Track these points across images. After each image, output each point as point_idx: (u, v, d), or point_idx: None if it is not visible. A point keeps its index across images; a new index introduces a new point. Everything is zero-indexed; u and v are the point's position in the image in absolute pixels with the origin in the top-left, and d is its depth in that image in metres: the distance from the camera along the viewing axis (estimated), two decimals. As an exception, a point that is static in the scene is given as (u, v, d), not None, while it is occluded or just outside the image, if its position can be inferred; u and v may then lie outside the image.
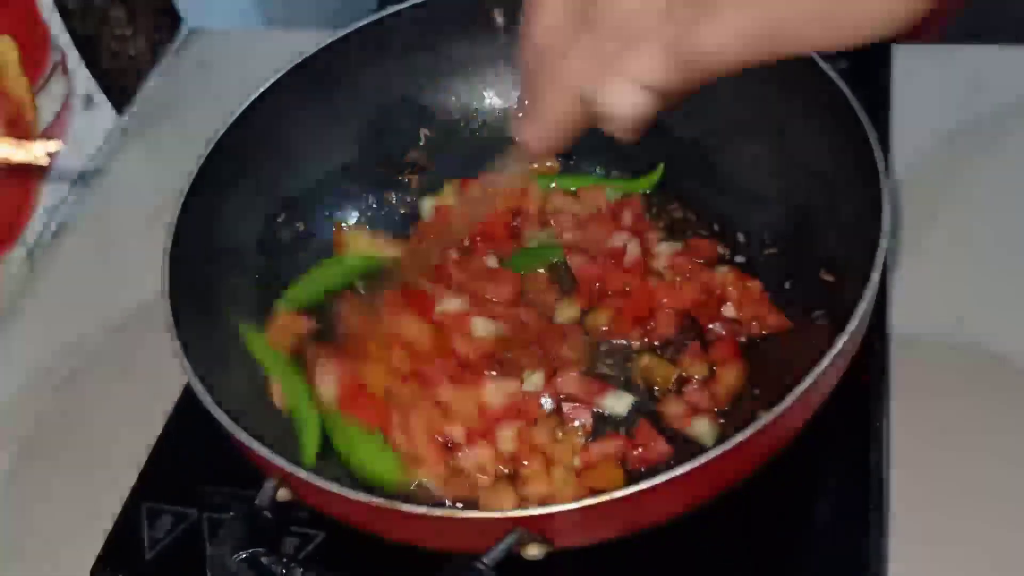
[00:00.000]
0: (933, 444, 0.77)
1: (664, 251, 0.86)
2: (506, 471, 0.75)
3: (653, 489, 0.59)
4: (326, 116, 0.92)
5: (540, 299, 0.85)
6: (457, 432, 0.75)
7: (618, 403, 0.78)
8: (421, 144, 0.97)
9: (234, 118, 0.85)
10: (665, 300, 0.82)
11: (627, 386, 0.80)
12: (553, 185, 0.93)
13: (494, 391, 0.76)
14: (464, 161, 0.95)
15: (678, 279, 0.83)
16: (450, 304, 0.81)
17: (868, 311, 0.66)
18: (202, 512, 0.79)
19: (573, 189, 0.93)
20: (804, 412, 0.65)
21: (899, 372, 0.81)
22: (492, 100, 0.98)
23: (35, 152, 0.88)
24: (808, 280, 0.80)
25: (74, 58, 1.08)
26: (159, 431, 0.85)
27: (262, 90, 0.87)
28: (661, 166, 0.92)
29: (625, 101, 0.53)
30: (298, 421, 0.77)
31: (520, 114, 0.59)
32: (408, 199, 0.96)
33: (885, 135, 0.95)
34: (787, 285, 0.82)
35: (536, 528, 0.60)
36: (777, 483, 0.71)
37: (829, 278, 0.78)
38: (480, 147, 0.96)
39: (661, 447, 0.74)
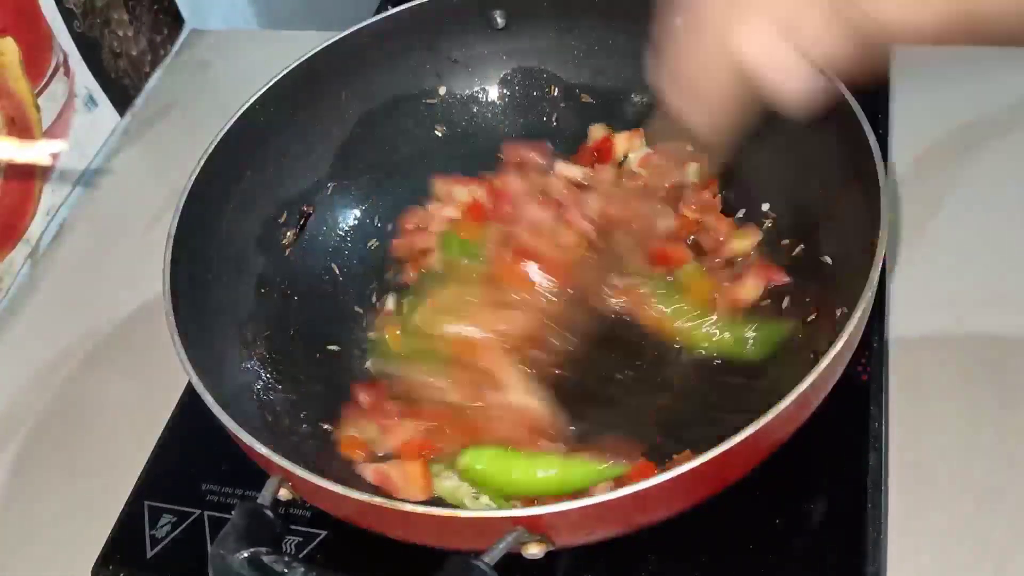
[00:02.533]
0: (931, 444, 0.77)
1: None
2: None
3: (652, 489, 0.59)
4: (326, 117, 0.93)
5: None
6: None
7: None
8: (422, 143, 0.97)
9: (234, 118, 0.85)
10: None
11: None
12: None
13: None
14: (464, 159, 0.96)
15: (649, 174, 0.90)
16: None
17: (867, 311, 0.66)
18: (204, 511, 0.79)
19: None
20: (802, 412, 0.66)
21: (897, 372, 0.81)
22: (492, 98, 0.98)
23: (37, 152, 0.88)
24: (807, 280, 0.80)
25: (76, 59, 1.08)
26: (161, 430, 0.85)
27: (262, 90, 0.87)
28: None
29: (791, 72, 0.46)
30: None
31: (675, 91, 0.51)
32: (408, 198, 0.96)
33: (885, 135, 0.95)
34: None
35: (535, 527, 0.60)
36: (776, 483, 0.71)
37: (827, 280, 0.78)
38: (481, 146, 0.96)
39: None
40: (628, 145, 0.93)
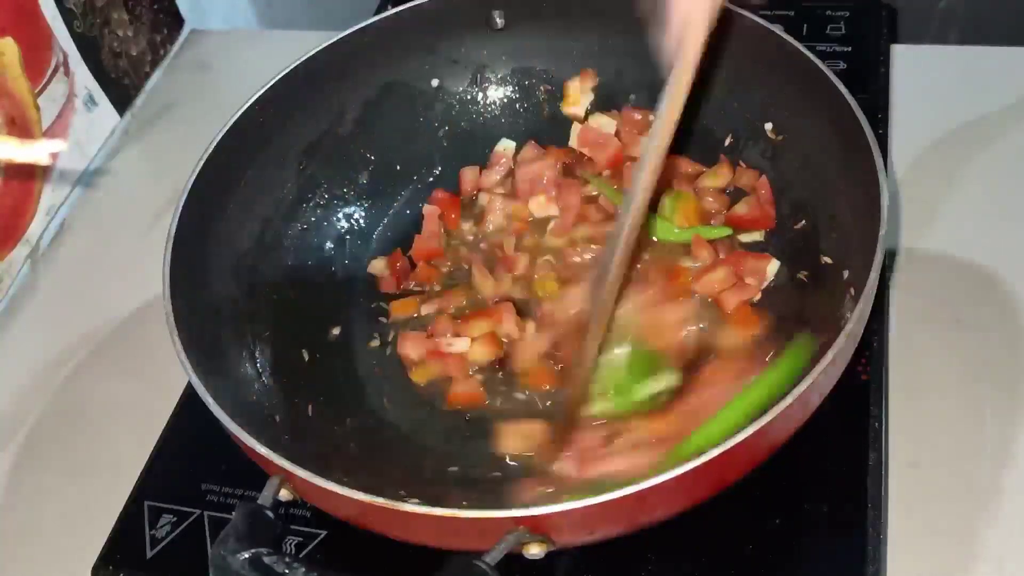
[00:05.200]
0: (931, 444, 0.77)
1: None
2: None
3: (652, 489, 0.59)
4: (326, 116, 0.93)
5: None
6: None
7: None
8: (421, 143, 0.97)
9: (234, 118, 0.85)
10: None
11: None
12: None
13: None
14: (464, 159, 0.96)
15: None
16: None
17: (867, 311, 0.66)
18: (204, 511, 0.79)
19: None
20: (803, 412, 0.66)
21: (897, 372, 0.81)
22: (492, 98, 0.98)
23: (37, 152, 0.88)
24: (807, 280, 0.80)
25: (75, 59, 1.08)
26: (161, 430, 0.85)
27: (262, 90, 0.87)
28: None
29: None
30: None
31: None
32: (407, 196, 0.96)
33: (885, 135, 0.95)
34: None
35: (536, 527, 0.60)
36: (776, 482, 0.71)
37: (827, 280, 0.78)
38: (481, 146, 0.96)
39: None
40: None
